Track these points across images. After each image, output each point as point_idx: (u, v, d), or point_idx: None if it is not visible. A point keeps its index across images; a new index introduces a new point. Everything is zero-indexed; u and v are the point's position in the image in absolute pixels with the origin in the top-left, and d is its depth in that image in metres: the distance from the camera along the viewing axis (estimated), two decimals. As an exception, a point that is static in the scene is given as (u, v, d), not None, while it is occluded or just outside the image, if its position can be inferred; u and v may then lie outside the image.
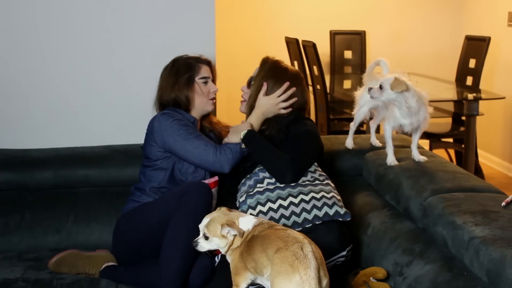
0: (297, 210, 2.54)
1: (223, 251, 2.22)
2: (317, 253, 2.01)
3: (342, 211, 2.57)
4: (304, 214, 2.54)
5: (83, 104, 3.47)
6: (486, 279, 1.99)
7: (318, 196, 2.57)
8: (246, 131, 2.70)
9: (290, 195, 2.58)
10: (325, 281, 2.00)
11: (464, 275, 2.08)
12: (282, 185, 2.61)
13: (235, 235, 2.16)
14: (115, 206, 2.99)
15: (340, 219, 2.55)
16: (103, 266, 2.70)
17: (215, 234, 2.18)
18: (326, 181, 2.67)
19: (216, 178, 2.74)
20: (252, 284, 2.16)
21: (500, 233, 2.05)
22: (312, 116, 5.66)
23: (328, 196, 2.59)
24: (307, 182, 2.62)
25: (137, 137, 3.29)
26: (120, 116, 3.50)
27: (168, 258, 2.45)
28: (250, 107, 2.83)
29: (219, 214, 2.22)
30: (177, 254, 2.44)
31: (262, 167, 2.69)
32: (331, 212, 2.55)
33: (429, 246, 2.33)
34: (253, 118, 2.79)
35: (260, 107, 2.78)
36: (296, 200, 2.56)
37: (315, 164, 2.72)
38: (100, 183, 3.09)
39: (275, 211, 2.55)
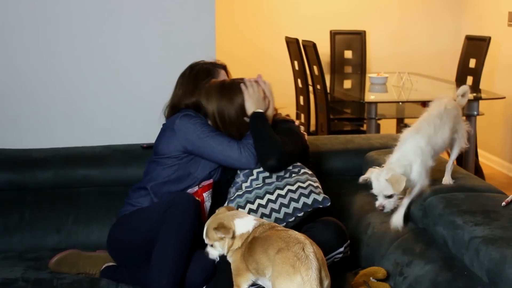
0: (276, 206, 2.56)
1: (224, 253, 2.23)
2: (318, 254, 2.01)
3: (319, 197, 2.57)
4: (284, 209, 2.55)
5: (83, 104, 3.47)
6: (486, 279, 1.99)
7: (293, 188, 2.58)
8: (261, 111, 2.67)
9: (267, 192, 2.59)
10: (326, 282, 2.00)
11: (464, 275, 2.08)
12: (260, 185, 2.62)
13: (222, 237, 2.18)
14: (115, 206, 2.98)
15: (320, 206, 2.56)
16: (104, 266, 2.70)
17: (214, 239, 2.21)
18: (303, 171, 2.66)
19: (210, 181, 2.74)
20: (253, 284, 2.16)
21: (500, 233, 2.05)
22: (312, 116, 5.67)
23: (304, 185, 2.59)
24: (283, 178, 2.62)
25: (137, 137, 3.30)
26: (120, 116, 3.50)
27: (157, 275, 2.45)
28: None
29: (214, 218, 2.25)
30: (166, 271, 2.44)
31: (240, 174, 2.69)
32: (309, 201, 2.55)
33: (429, 246, 2.33)
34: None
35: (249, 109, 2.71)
36: (273, 197, 2.58)
37: None
38: (100, 183, 3.09)
39: (255, 211, 2.56)
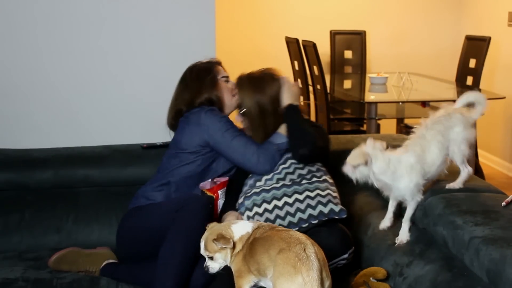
0: (292, 210, 2.55)
1: (228, 262, 2.22)
2: (319, 254, 2.01)
3: (337, 208, 2.57)
4: (299, 214, 2.54)
5: (83, 104, 3.47)
6: (486, 279, 1.99)
7: (312, 194, 2.58)
8: (297, 104, 2.71)
9: (285, 194, 2.58)
10: (327, 283, 2.00)
11: (464, 275, 2.08)
12: (278, 185, 2.61)
13: (224, 248, 2.18)
14: (115, 206, 2.99)
15: (336, 217, 2.55)
16: (104, 264, 2.70)
17: (215, 250, 2.20)
18: (324, 177, 2.66)
19: (226, 178, 2.75)
20: (254, 285, 2.16)
21: (500, 233, 2.05)
22: (312, 116, 5.67)
23: (323, 193, 2.59)
24: (303, 179, 2.62)
25: (137, 137, 3.30)
26: (120, 116, 3.50)
27: (162, 276, 2.45)
28: (260, 131, 2.75)
29: (210, 231, 2.25)
30: (172, 271, 2.45)
31: None
32: (325, 210, 2.55)
33: (429, 246, 2.33)
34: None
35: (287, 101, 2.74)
36: (290, 200, 2.57)
37: None
38: (100, 183, 3.09)
39: (270, 212, 2.56)
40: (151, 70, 3.49)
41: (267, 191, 2.60)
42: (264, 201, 2.58)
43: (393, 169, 2.34)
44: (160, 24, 3.45)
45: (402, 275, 2.31)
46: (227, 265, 2.25)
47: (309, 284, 1.92)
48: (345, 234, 2.53)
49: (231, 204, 2.68)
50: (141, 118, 3.48)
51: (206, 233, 2.27)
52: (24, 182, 3.05)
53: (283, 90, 2.72)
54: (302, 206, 2.55)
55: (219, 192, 2.70)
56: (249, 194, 2.62)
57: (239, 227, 2.21)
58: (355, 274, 2.48)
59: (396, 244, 2.46)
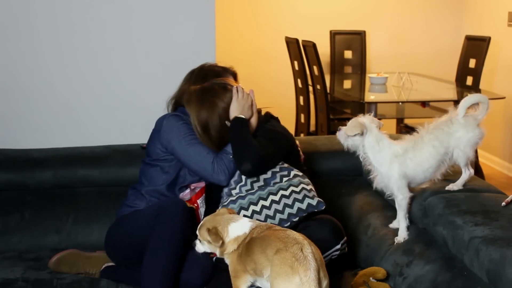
0: (271, 212, 2.53)
1: (218, 254, 2.22)
2: (317, 254, 2.01)
3: (314, 202, 2.55)
4: (279, 215, 2.53)
5: (83, 104, 3.47)
6: (486, 279, 2.00)
7: (287, 193, 2.56)
8: (243, 117, 2.64)
9: (260, 198, 2.56)
10: (325, 283, 2.00)
11: (464, 275, 2.08)
12: (253, 190, 2.59)
13: (210, 242, 2.18)
14: (115, 206, 2.98)
15: (315, 210, 2.55)
16: (104, 266, 2.69)
17: (204, 238, 2.20)
18: (293, 173, 2.63)
19: (203, 184, 2.71)
20: (251, 285, 2.16)
21: (500, 233, 2.05)
22: (312, 116, 5.67)
23: (297, 189, 2.56)
24: (275, 184, 2.59)
25: (137, 137, 3.30)
26: (120, 116, 3.50)
27: (147, 283, 2.45)
28: (209, 145, 2.67)
29: (212, 218, 2.24)
30: (156, 279, 2.44)
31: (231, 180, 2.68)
32: (303, 206, 2.54)
33: (429, 246, 2.34)
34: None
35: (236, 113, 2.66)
36: (267, 203, 2.55)
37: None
38: (100, 183, 3.09)
39: (250, 217, 2.53)
40: (150, 70, 3.50)
41: (243, 197, 2.58)
42: (241, 208, 2.55)
43: (381, 148, 2.41)
44: (160, 24, 3.46)
45: (402, 275, 2.31)
46: (224, 263, 2.25)
47: (307, 284, 1.92)
48: (335, 225, 2.52)
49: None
50: (141, 118, 3.48)
51: (208, 217, 2.26)
52: (24, 182, 3.05)
53: (232, 101, 2.64)
54: (280, 207, 2.54)
55: (198, 201, 2.67)
56: (225, 203, 2.60)
57: (237, 227, 2.20)
58: (354, 274, 2.48)
59: (395, 243, 2.46)
